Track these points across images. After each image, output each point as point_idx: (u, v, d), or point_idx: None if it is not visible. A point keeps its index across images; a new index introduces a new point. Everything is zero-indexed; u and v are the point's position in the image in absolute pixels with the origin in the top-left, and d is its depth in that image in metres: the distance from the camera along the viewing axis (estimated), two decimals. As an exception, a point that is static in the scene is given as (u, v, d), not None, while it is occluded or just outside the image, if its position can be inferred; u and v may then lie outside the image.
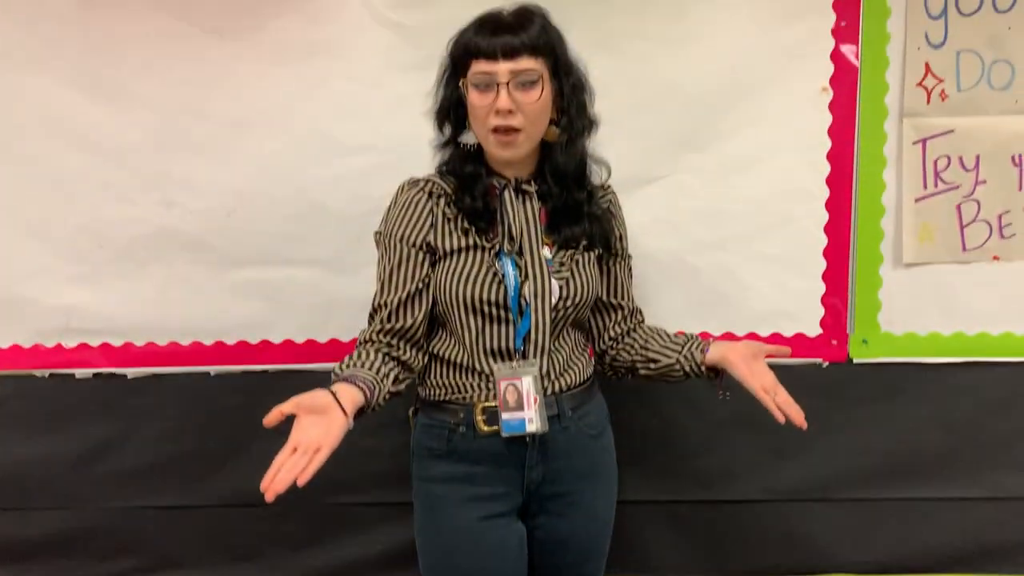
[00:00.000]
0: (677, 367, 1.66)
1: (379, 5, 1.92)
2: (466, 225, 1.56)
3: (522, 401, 1.51)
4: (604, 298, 1.72)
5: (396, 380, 1.54)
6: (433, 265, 1.58)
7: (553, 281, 1.56)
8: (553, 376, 1.57)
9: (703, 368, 1.64)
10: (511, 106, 1.47)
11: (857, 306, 2.03)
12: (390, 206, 1.62)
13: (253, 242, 2.01)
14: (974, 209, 1.99)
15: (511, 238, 1.57)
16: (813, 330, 2.04)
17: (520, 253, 1.56)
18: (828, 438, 2.08)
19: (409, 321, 1.57)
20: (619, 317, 1.74)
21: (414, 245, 1.57)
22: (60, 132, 1.96)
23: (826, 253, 2.00)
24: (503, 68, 1.47)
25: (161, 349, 2.06)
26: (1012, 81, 1.93)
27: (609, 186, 1.72)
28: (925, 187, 1.98)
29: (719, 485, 2.13)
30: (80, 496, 2.11)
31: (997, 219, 1.99)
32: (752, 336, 2.03)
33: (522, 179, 1.60)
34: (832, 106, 1.95)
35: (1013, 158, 1.96)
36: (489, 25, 1.49)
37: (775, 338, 2.03)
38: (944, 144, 1.96)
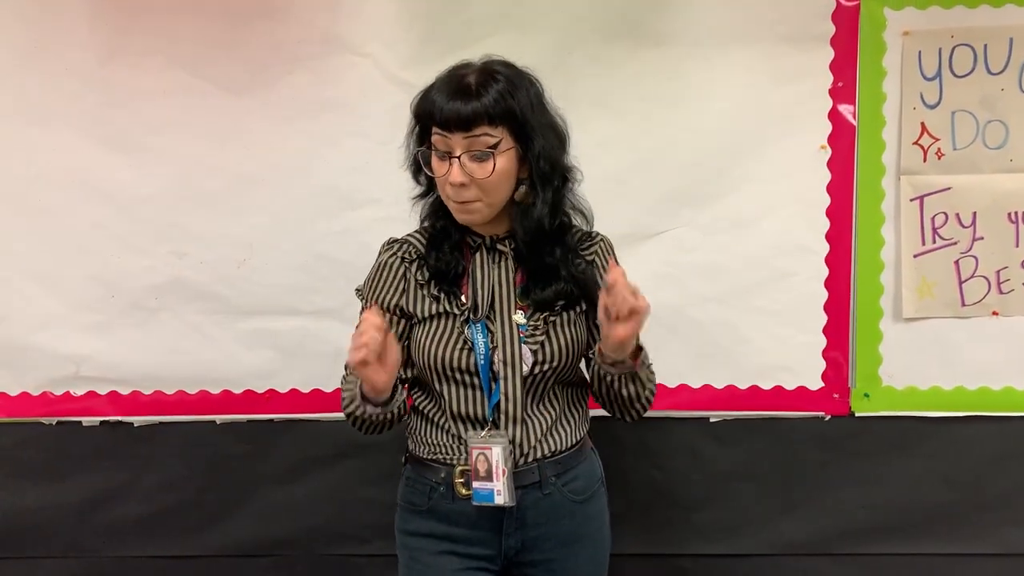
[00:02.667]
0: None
1: (389, 65, 1.97)
2: (435, 292, 1.52)
3: (491, 471, 1.47)
4: (592, 350, 1.58)
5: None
6: (411, 328, 1.55)
7: (525, 348, 1.49)
8: (532, 443, 1.51)
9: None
10: (463, 180, 1.42)
11: (858, 360, 2.04)
12: (370, 271, 1.59)
13: (262, 292, 2.04)
14: (972, 265, 2.01)
15: (479, 303, 1.51)
16: (815, 383, 2.05)
17: (492, 319, 1.51)
18: (831, 492, 2.09)
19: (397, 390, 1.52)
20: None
21: (387, 309, 1.54)
22: (75, 184, 2.01)
23: (827, 307, 2.02)
24: (456, 140, 1.41)
25: (168, 398, 2.08)
26: (1006, 140, 1.97)
27: (597, 234, 1.62)
28: (923, 243, 2.01)
29: (722, 539, 2.12)
30: (84, 545, 2.12)
31: (995, 275, 2.02)
32: (754, 390, 2.05)
33: (498, 236, 1.54)
34: (831, 164, 1.99)
35: (1009, 215, 1.99)
36: (449, 88, 1.42)
37: (776, 391, 2.05)
38: (941, 201, 2.00)
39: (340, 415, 2.02)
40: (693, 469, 2.10)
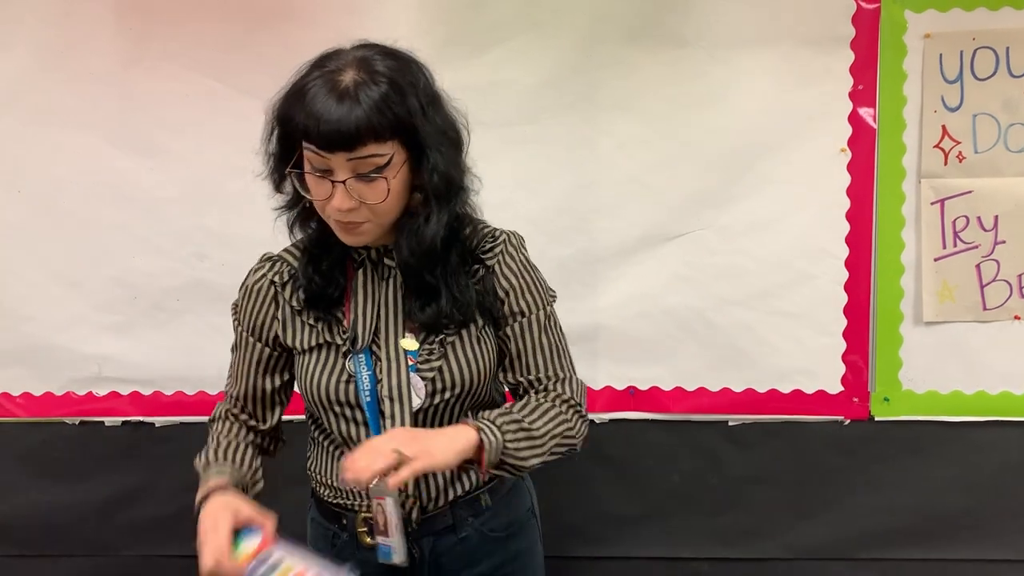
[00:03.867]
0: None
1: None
2: (311, 321, 1.33)
3: (388, 526, 1.25)
4: (501, 376, 1.40)
5: (260, 452, 1.44)
6: (292, 359, 1.38)
7: (416, 378, 1.30)
8: (439, 484, 1.34)
9: None
10: (351, 204, 1.19)
11: (878, 364, 2.04)
12: (239, 291, 1.40)
13: (282, 294, 2.06)
14: (994, 269, 2.01)
15: (362, 331, 1.31)
16: (834, 387, 2.05)
17: (378, 344, 1.31)
18: (850, 496, 2.09)
19: (263, 418, 1.43)
20: (518, 393, 1.40)
21: (261, 340, 1.37)
22: (98, 186, 2.04)
23: (846, 311, 2.02)
24: (340, 160, 1.16)
25: (189, 398, 2.10)
26: (1029, 144, 1.97)
27: (501, 233, 1.38)
28: (944, 247, 2.00)
29: (740, 543, 2.12)
30: (107, 543, 2.14)
31: (1017, 279, 2.01)
32: (773, 393, 2.04)
33: (386, 247, 1.32)
34: (851, 167, 1.99)
35: (1031, 219, 1.99)
36: (322, 94, 1.15)
37: (795, 395, 2.04)
38: (962, 204, 1.99)
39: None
40: (711, 472, 2.10)
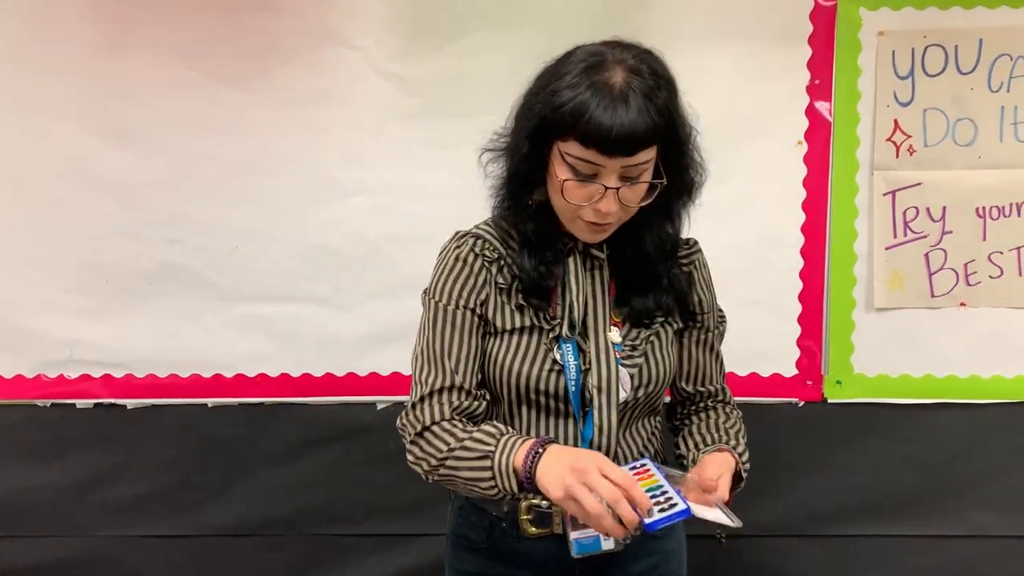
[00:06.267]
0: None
1: (379, 58, 2.01)
2: (521, 301, 1.29)
3: None
4: (679, 383, 1.44)
5: None
6: (484, 337, 1.32)
7: (623, 371, 1.29)
8: None
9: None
10: (615, 209, 1.19)
11: (831, 348, 2.10)
12: (440, 268, 1.34)
13: (254, 279, 2.08)
14: (941, 258, 2.08)
15: (574, 320, 1.29)
16: (789, 371, 2.11)
17: (584, 336, 1.29)
18: (804, 476, 2.15)
19: (479, 404, 1.31)
20: (695, 401, 1.47)
21: (473, 310, 1.30)
22: (72, 172, 2.04)
23: (801, 297, 2.08)
24: (615, 165, 1.16)
25: (161, 381, 2.12)
26: (975, 138, 2.03)
27: (695, 242, 1.42)
28: (895, 236, 2.07)
29: (698, 521, 2.16)
30: (79, 524, 2.15)
31: (963, 267, 2.08)
32: (730, 376, 2.07)
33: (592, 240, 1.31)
34: (807, 159, 2.05)
35: (977, 210, 2.05)
36: (606, 98, 1.13)
37: (752, 377, 2.11)
38: (912, 196, 2.06)
39: (329, 399, 2.11)
40: (668, 453, 2.15)
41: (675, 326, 1.37)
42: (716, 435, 1.39)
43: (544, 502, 1.31)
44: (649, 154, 1.17)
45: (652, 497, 1.15)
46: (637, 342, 1.32)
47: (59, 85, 2.01)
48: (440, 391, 1.28)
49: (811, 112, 2.04)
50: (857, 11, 2.01)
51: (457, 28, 2.01)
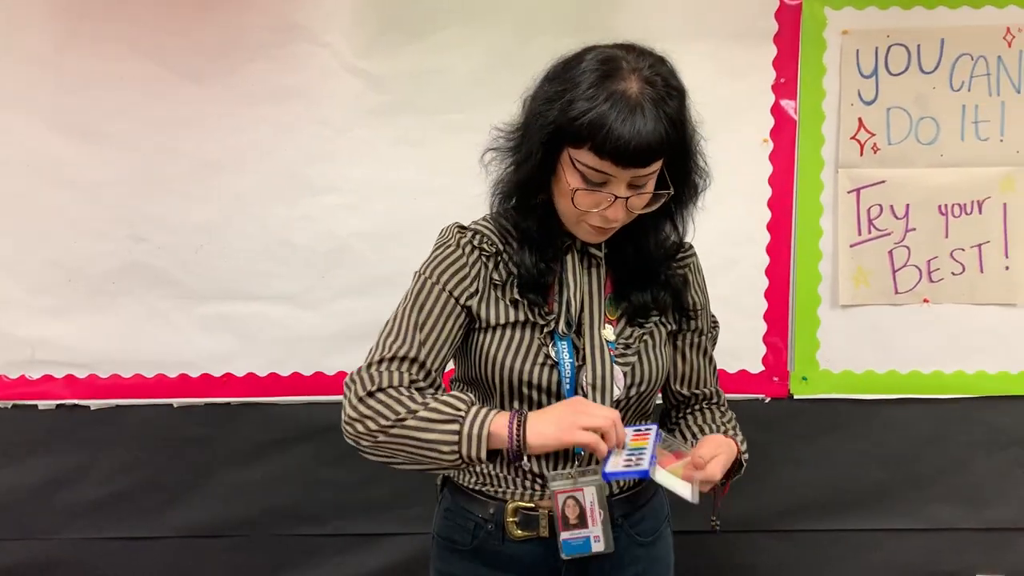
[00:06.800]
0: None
1: (347, 54, 2.00)
2: (516, 295, 1.29)
3: (585, 516, 1.24)
4: (673, 386, 1.45)
5: None
6: (466, 335, 1.32)
7: (617, 368, 1.30)
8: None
9: None
10: (622, 216, 1.22)
11: (797, 345, 2.12)
12: (436, 251, 1.33)
13: (220, 277, 2.07)
14: (905, 255, 2.11)
15: (570, 317, 1.30)
16: (756, 367, 2.13)
17: (578, 333, 1.30)
18: (771, 471, 2.17)
19: (437, 384, 1.29)
20: (690, 403, 1.48)
21: (458, 300, 1.29)
22: (34, 169, 2.01)
23: (767, 294, 2.10)
24: (625, 176, 1.18)
25: (125, 381, 2.10)
26: (937, 136, 2.06)
27: (690, 246, 1.44)
28: (859, 233, 2.10)
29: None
30: (42, 527, 2.12)
31: (926, 264, 2.11)
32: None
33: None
34: (772, 157, 2.06)
35: (940, 208, 2.08)
36: (626, 111, 1.14)
37: (719, 374, 2.10)
38: (876, 194, 2.08)
39: (296, 398, 2.10)
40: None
41: (669, 327, 1.38)
42: (714, 426, 1.42)
43: (529, 503, 1.32)
44: (659, 164, 1.20)
45: (629, 455, 1.18)
46: (631, 340, 1.32)
47: (19, 80, 1.98)
48: (403, 359, 1.25)
49: (776, 110, 2.06)
50: (822, 10, 2.03)
51: (426, 24, 2.00)
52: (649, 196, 1.23)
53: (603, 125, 1.14)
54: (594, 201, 1.20)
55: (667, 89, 1.18)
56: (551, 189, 1.27)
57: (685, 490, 1.20)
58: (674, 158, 1.22)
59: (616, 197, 1.19)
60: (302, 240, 2.05)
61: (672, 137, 1.17)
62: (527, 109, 1.27)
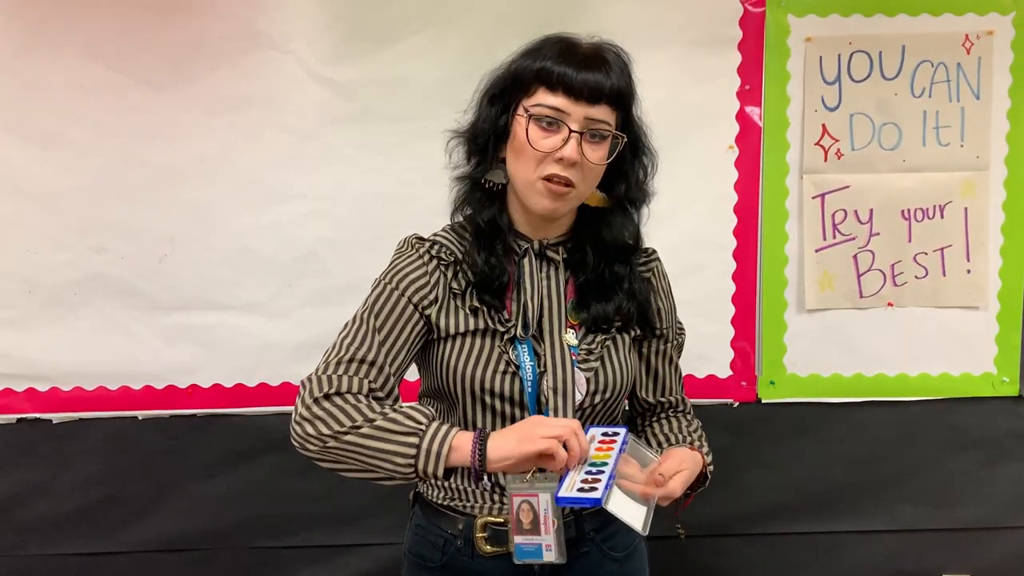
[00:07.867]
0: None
1: (312, 61, 1.99)
2: (475, 303, 1.29)
3: (538, 523, 1.22)
4: (639, 393, 1.45)
5: None
6: (424, 347, 1.31)
7: (579, 373, 1.29)
8: None
9: None
10: (578, 158, 1.22)
11: (764, 349, 2.14)
12: (396, 260, 1.34)
13: (184, 287, 2.04)
14: (869, 259, 2.13)
15: (528, 320, 1.30)
16: (724, 372, 2.14)
17: (539, 338, 1.30)
18: (739, 475, 2.17)
19: (394, 393, 1.27)
20: (656, 411, 1.48)
21: (416, 307, 1.29)
22: (-10, 179, 1.97)
23: (734, 299, 2.11)
24: (580, 112, 1.22)
25: (88, 394, 2.06)
26: (900, 142, 2.09)
27: (653, 251, 1.45)
28: (824, 238, 2.11)
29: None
30: (3, 544, 2.08)
31: (890, 268, 2.13)
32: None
33: (548, 242, 1.33)
34: (738, 163, 2.08)
35: (903, 212, 2.11)
36: (574, 55, 1.23)
37: (687, 379, 2.11)
38: (841, 199, 2.10)
39: (263, 409, 2.08)
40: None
41: (633, 333, 1.38)
42: (680, 436, 1.42)
43: (498, 517, 1.31)
44: (609, 116, 1.25)
45: (588, 473, 1.18)
46: (593, 346, 1.32)
47: (-25, 89, 1.94)
48: (360, 361, 1.24)
49: (741, 117, 2.07)
50: (785, 18, 2.05)
51: (392, 31, 2.00)
52: (605, 151, 1.26)
53: (552, 68, 1.22)
54: (549, 142, 1.23)
55: (616, 53, 1.28)
56: (505, 169, 1.30)
57: (636, 522, 1.20)
58: (624, 118, 1.28)
59: (571, 132, 1.22)
60: (268, 249, 2.03)
61: (619, 85, 1.24)
62: (479, 94, 1.34)
